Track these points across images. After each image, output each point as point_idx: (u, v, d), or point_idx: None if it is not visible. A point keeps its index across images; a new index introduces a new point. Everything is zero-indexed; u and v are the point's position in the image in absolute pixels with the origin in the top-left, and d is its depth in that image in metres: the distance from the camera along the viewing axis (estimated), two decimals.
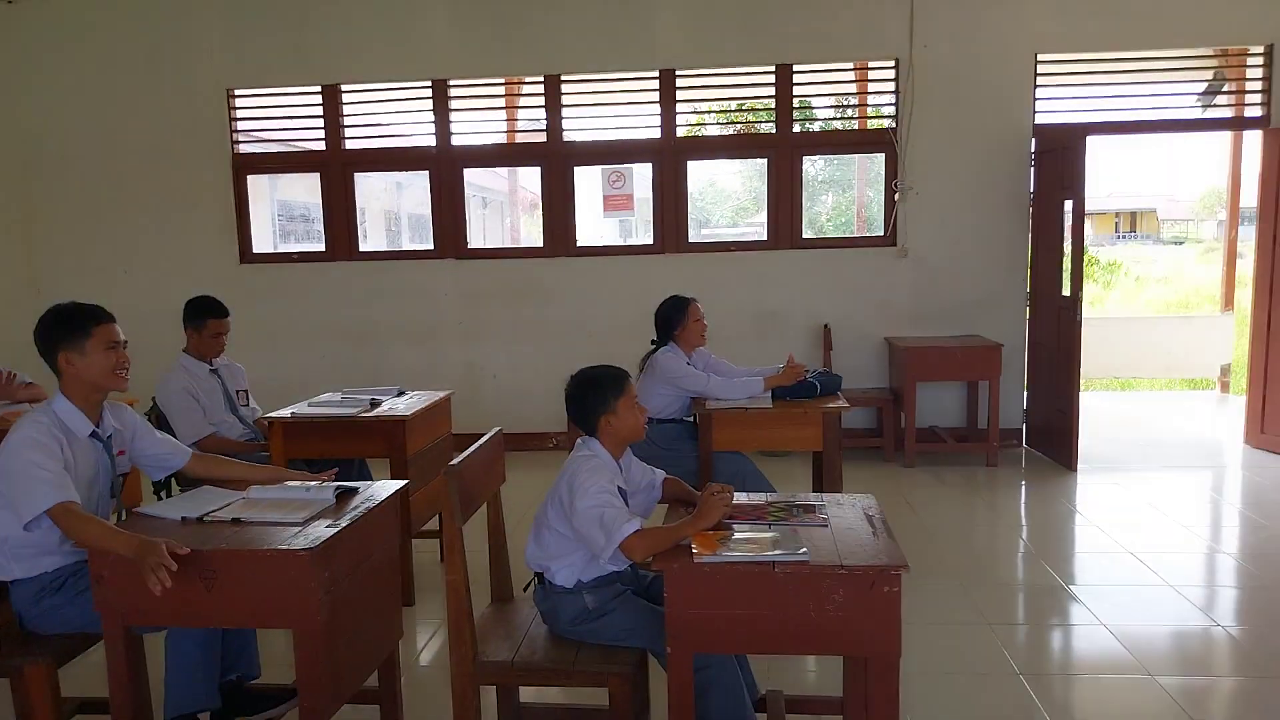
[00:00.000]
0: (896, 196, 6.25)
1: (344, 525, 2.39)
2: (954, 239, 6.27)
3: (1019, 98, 6.14)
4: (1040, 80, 6.18)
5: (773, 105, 6.34)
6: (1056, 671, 3.23)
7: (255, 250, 6.74)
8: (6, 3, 6.51)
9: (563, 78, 6.42)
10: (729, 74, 6.42)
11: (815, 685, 3.13)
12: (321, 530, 2.34)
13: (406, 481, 2.85)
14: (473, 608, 2.37)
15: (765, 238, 6.52)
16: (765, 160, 6.44)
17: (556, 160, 6.50)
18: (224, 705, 2.61)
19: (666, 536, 2.26)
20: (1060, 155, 5.79)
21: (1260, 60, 6.08)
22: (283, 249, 7.05)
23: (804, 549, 2.19)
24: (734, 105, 6.65)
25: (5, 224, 6.61)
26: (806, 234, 6.54)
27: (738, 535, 2.29)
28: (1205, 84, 6.27)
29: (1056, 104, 6.23)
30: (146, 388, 3.97)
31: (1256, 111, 6.14)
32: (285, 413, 3.81)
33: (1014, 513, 5.15)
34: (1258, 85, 6.11)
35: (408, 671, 3.26)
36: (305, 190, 6.88)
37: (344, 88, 6.55)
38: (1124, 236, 33.30)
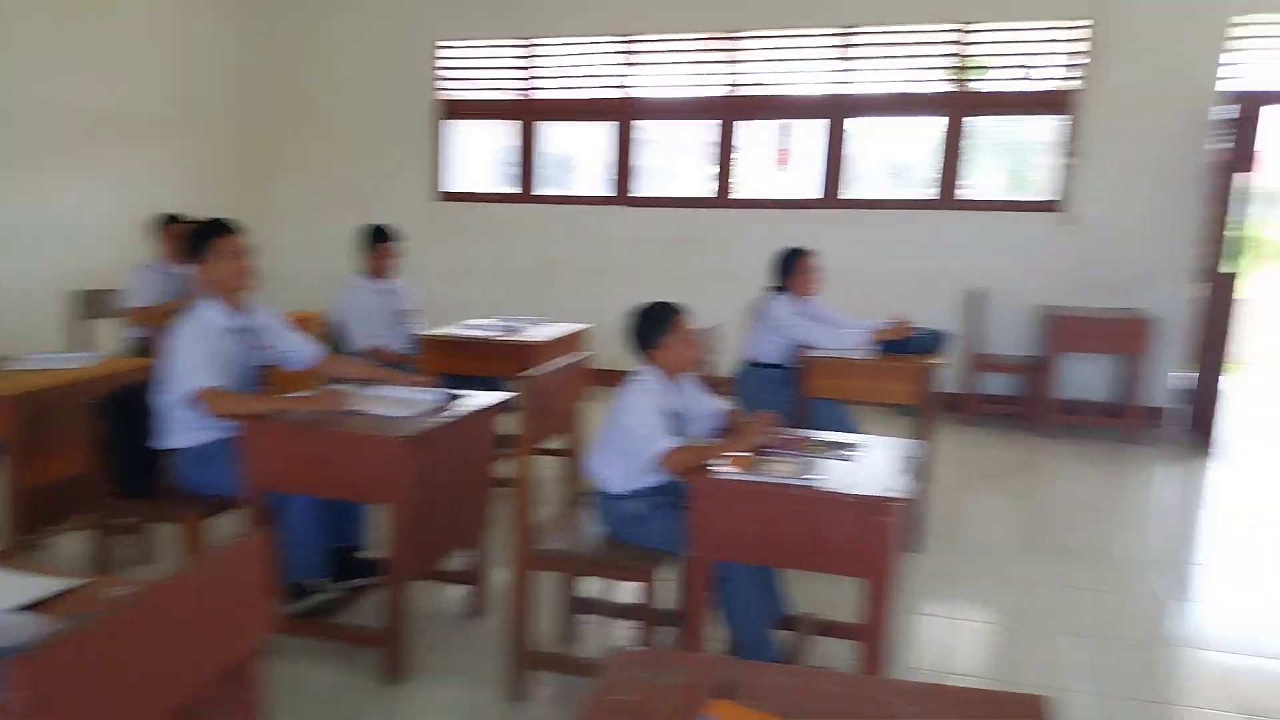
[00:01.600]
0: (1071, 161, 6.04)
1: (439, 423, 2.87)
2: (1124, 208, 6.01)
3: (1206, 61, 5.75)
4: (1233, 44, 5.74)
5: (949, 64, 6.28)
6: (1135, 639, 3.28)
7: (449, 190, 7.46)
8: None
9: (740, 34, 6.63)
10: (907, 31, 6.37)
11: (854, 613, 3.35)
12: (420, 424, 2.83)
13: (508, 395, 3.29)
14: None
15: (928, 197, 6.49)
16: (934, 119, 6.39)
17: (729, 114, 6.75)
18: (337, 571, 3.19)
19: (700, 454, 2.59)
20: (1240, 125, 5.41)
21: None
22: (486, 191, 7.69)
23: (816, 476, 2.45)
24: (908, 64, 6.57)
25: (255, 160, 7.63)
26: (972, 195, 6.45)
27: (769, 459, 2.57)
28: None
29: (1250, 70, 5.76)
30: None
31: None
32: (436, 332, 4.40)
33: (1133, 491, 5.02)
34: None
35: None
36: (510, 136, 7.46)
37: (538, 41, 7.06)
38: None
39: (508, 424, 3.02)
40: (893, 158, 8.51)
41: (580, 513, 3.02)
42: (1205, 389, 5.65)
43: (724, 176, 6.82)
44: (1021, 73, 6.47)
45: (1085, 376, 6.17)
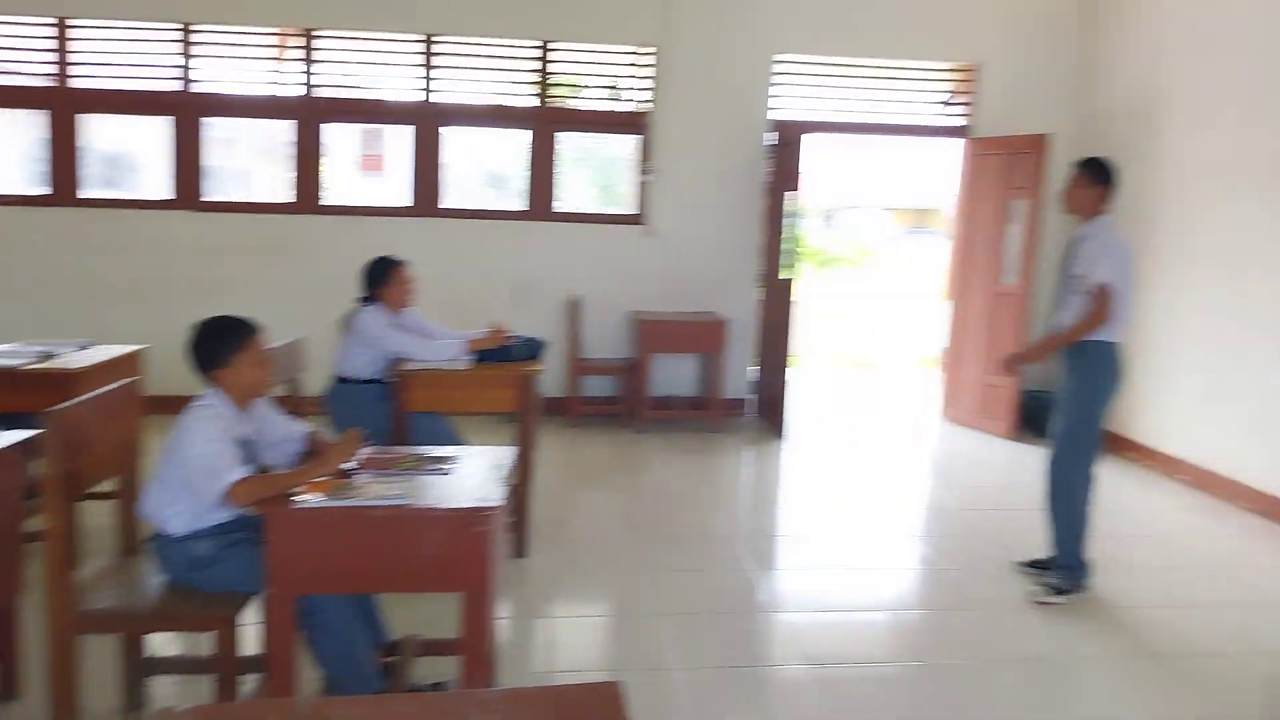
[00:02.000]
0: (645, 178, 6.50)
1: None
2: (697, 221, 6.59)
3: (758, 93, 6.52)
4: (777, 79, 6.57)
5: (535, 79, 6.46)
6: (726, 611, 3.53)
7: None
8: None
9: (318, 32, 6.26)
10: (492, 44, 6.44)
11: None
12: None
13: (36, 431, 2.73)
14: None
15: (521, 208, 6.62)
16: (523, 132, 6.54)
17: (310, 115, 6.34)
18: None
19: (275, 483, 2.34)
20: (786, 150, 6.20)
21: (966, 77, 6.72)
22: (8, 193, 6.43)
23: (405, 494, 2.32)
24: (497, 77, 6.68)
25: None
26: (562, 208, 6.70)
27: (355, 482, 2.39)
28: (935, 95, 6.83)
29: (791, 101, 6.64)
30: None
31: (961, 122, 6.79)
32: None
33: (721, 475, 5.53)
34: (968, 100, 6.75)
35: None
36: (41, 129, 6.29)
37: (74, 22, 6.09)
38: (914, 231, 35.73)
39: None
40: (491, 168, 8.61)
41: (138, 561, 2.60)
42: (772, 381, 6.39)
43: (308, 181, 6.40)
44: (612, 93, 6.88)
45: (674, 375, 6.69)
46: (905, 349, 10.61)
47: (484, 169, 8.20)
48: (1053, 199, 6.24)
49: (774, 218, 6.48)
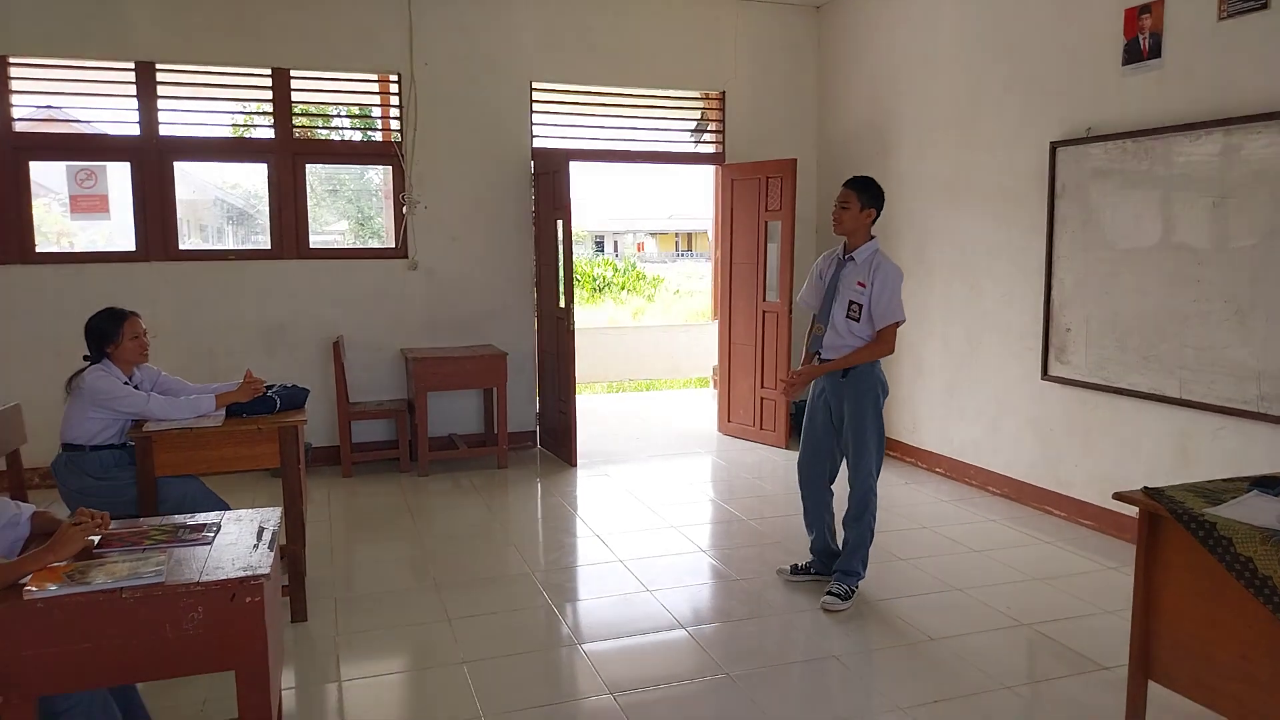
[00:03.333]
0: (405, 210, 6.27)
1: None
2: (464, 253, 6.43)
3: (519, 121, 6.48)
4: (537, 106, 6.57)
5: (274, 109, 6.06)
6: (527, 650, 3.39)
7: None
8: None
9: (11, 59, 5.57)
10: (225, 73, 6.00)
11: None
12: None
13: None
14: None
15: (277, 247, 6.17)
16: (264, 166, 6.12)
17: (5, 153, 5.60)
18: None
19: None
20: (552, 178, 6.19)
21: (715, 105, 7.04)
22: None
23: (157, 571, 2.05)
24: (233, 107, 6.22)
25: None
26: (319, 244, 6.32)
27: (96, 564, 2.09)
28: (690, 123, 7.08)
29: (554, 129, 6.66)
30: None
31: (714, 148, 7.10)
32: None
33: (513, 511, 5.38)
34: (718, 127, 7.06)
35: None
36: None
37: None
38: (682, 254, 37.09)
39: None
40: (238, 205, 8.05)
41: None
42: (558, 410, 6.32)
43: (13, 227, 5.62)
44: (363, 123, 6.60)
45: (454, 412, 6.48)
46: (681, 368, 10.91)
47: (229, 206, 7.61)
48: (803, 219, 6.67)
49: (544, 246, 6.45)
